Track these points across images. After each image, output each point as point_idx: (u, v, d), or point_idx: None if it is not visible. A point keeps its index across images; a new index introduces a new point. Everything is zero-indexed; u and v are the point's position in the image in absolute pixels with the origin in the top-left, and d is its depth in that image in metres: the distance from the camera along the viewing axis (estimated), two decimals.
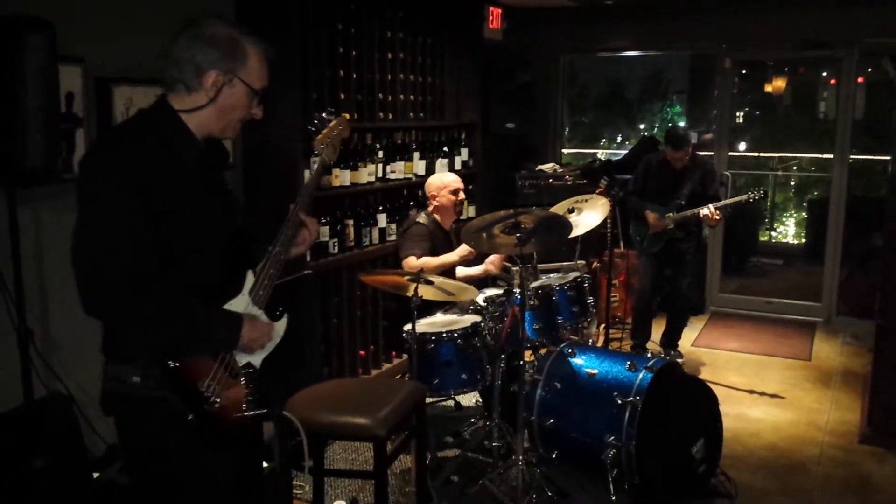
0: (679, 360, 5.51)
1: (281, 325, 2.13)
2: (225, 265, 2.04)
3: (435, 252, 4.26)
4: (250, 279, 2.08)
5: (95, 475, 3.30)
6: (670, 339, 5.66)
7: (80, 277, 1.83)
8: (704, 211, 5.08)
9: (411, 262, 4.14)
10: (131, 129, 2.01)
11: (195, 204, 1.95)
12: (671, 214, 5.29)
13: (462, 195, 4.46)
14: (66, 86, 3.26)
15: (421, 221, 4.35)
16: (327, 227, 4.59)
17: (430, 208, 4.42)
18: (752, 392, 5.12)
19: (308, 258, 4.28)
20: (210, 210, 2.01)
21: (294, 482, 3.48)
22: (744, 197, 5.19)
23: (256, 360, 2.08)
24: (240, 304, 2.05)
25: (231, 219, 2.10)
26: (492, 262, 4.41)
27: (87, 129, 3.45)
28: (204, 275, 1.98)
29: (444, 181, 4.45)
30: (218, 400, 1.96)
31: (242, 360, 2.05)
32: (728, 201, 5.23)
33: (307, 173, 4.39)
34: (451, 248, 4.35)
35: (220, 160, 2.17)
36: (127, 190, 1.81)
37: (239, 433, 2.03)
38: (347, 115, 2.47)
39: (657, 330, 5.74)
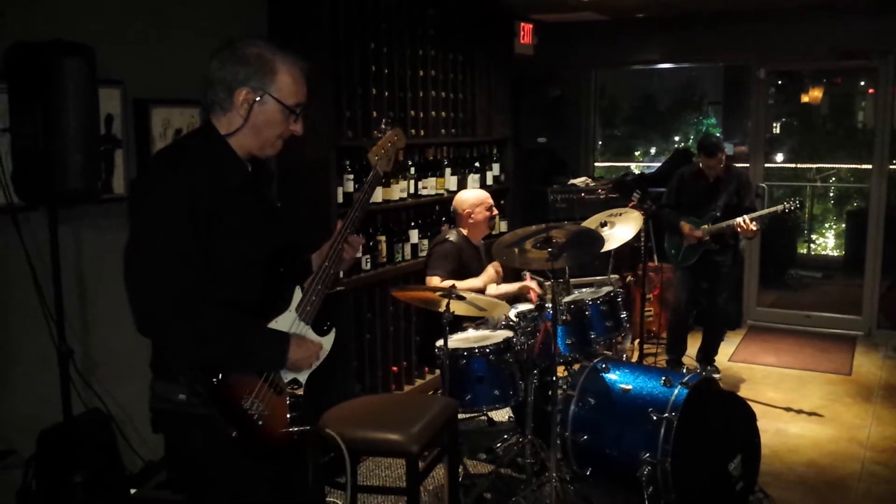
0: (716, 376, 5.44)
1: (328, 341, 2.16)
2: (271, 281, 2.07)
3: (463, 270, 4.26)
4: (298, 295, 2.10)
5: (132, 491, 3.35)
6: (707, 354, 5.59)
7: (133, 297, 1.88)
8: (739, 221, 5.02)
9: (434, 282, 4.15)
10: (179, 152, 2.08)
11: (241, 222, 1.99)
12: (706, 226, 5.24)
13: (495, 210, 4.47)
14: (106, 108, 3.35)
15: (450, 239, 4.34)
16: None
17: (463, 225, 4.42)
18: (791, 408, 5.02)
19: (342, 275, 4.31)
20: (256, 227, 2.04)
21: (327, 498, 3.49)
22: (779, 207, 5.12)
23: (302, 376, 2.10)
24: (287, 320, 2.08)
25: (278, 235, 2.13)
26: (527, 289, 4.39)
27: (125, 151, 3.53)
28: (250, 291, 2.02)
29: (478, 197, 4.44)
30: (261, 417, 1.98)
31: (288, 376, 2.07)
32: (763, 212, 5.15)
33: (340, 190, 4.44)
34: (481, 265, 4.35)
35: (267, 177, 2.21)
36: (177, 210, 1.87)
37: (283, 449, 2.05)
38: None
39: (693, 345, 5.68)
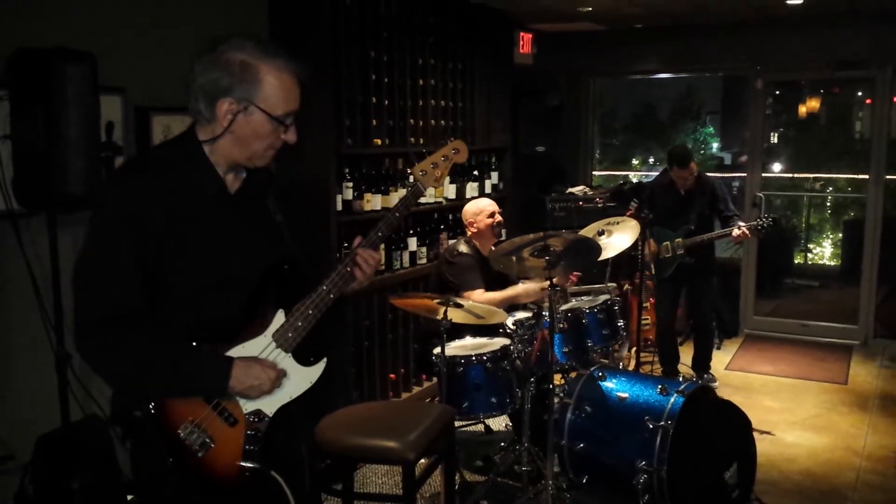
0: (713, 384, 5.46)
1: (312, 373, 1.95)
2: (250, 301, 1.89)
3: (483, 281, 4.21)
4: (279, 319, 1.91)
5: (129, 498, 3.35)
6: (699, 363, 5.61)
7: (74, 314, 1.78)
8: (735, 232, 5.09)
9: (476, 296, 4.07)
10: (145, 161, 1.98)
11: (213, 235, 1.85)
12: (680, 240, 5.27)
13: (499, 217, 4.40)
14: (107, 115, 3.36)
15: (465, 251, 4.29)
16: None
17: (469, 235, 4.40)
18: (787, 416, 5.04)
19: None
20: (235, 241, 1.88)
21: None
22: (753, 223, 5.15)
23: (268, 407, 1.89)
24: (257, 345, 1.89)
25: (268, 250, 1.95)
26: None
27: (126, 158, 3.54)
28: (221, 311, 1.86)
29: (478, 206, 4.40)
30: (202, 448, 1.82)
31: (249, 406, 1.88)
32: (749, 225, 5.17)
33: (339, 198, 4.45)
34: (491, 275, 4.29)
35: (264, 187, 2.02)
36: (119, 225, 1.74)
37: (235, 485, 1.86)
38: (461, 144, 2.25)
39: (686, 354, 5.69)
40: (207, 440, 1.83)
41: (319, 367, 1.96)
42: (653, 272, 5.44)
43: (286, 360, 1.92)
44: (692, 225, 5.26)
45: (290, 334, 1.91)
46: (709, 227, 5.22)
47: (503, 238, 4.35)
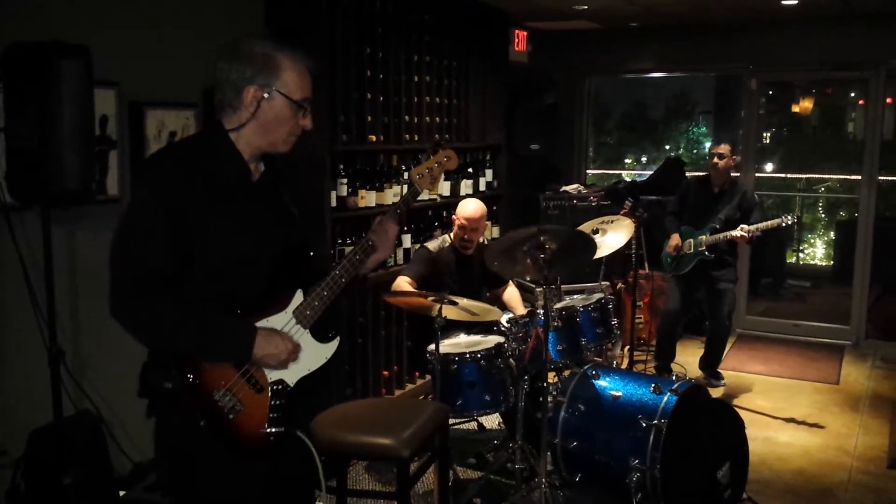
0: (720, 383, 5.51)
1: (328, 349, 2.14)
2: (271, 281, 2.07)
3: (435, 278, 4.16)
4: (298, 297, 2.10)
5: (121, 493, 3.34)
6: (710, 363, 5.63)
7: (110, 278, 1.94)
8: (736, 233, 5.06)
9: (399, 280, 4.13)
10: (177, 148, 2.19)
11: (236, 218, 2.00)
12: (704, 237, 5.24)
13: (470, 235, 4.22)
14: (101, 109, 3.35)
15: (428, 246, 4.29)
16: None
17: (453, 231, 4.38)
18: (779, 416, 5.05)
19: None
20: (257, 226, 2.05)
21: (316, 502, 3.49)
22: (775, 222, 5.13)
23: (290, 377, 2.08)
24: (280, 320, 2.06)
25: (284, 235, 2.13)
26: None
27: (120, 152, 3.53)
28: (245, 288, 2.02)
29: (462, 211, 4.24)
30: (233, 412, 1.98)
31: (273, 376, 2.05)
32: (761, 225, 5.14)
33: (333, 194, 4.45)
34: (464, 274, 4.27)
35: (278, 180, 2.20)
36: (155, 203, 1.92)
37: (261, 449, 2.04)
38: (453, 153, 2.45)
39: (682, 352, 5.70)
40: (238, 404, 1.99)
41: (334, 345, 2.16)
42: (671, 267, 5.42)
43: (304, 336, 2.10)
44: (717, 225, 5.23)
45: (307, 312, 2.10)
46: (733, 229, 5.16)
47: (470, 250, 4.30)
